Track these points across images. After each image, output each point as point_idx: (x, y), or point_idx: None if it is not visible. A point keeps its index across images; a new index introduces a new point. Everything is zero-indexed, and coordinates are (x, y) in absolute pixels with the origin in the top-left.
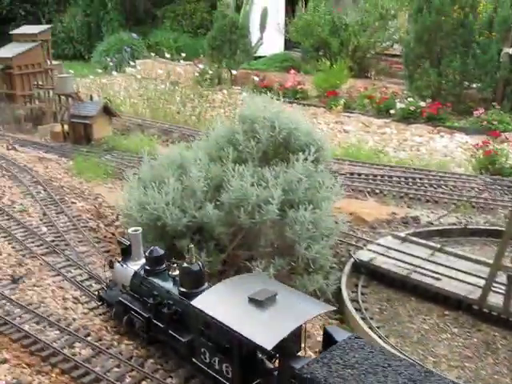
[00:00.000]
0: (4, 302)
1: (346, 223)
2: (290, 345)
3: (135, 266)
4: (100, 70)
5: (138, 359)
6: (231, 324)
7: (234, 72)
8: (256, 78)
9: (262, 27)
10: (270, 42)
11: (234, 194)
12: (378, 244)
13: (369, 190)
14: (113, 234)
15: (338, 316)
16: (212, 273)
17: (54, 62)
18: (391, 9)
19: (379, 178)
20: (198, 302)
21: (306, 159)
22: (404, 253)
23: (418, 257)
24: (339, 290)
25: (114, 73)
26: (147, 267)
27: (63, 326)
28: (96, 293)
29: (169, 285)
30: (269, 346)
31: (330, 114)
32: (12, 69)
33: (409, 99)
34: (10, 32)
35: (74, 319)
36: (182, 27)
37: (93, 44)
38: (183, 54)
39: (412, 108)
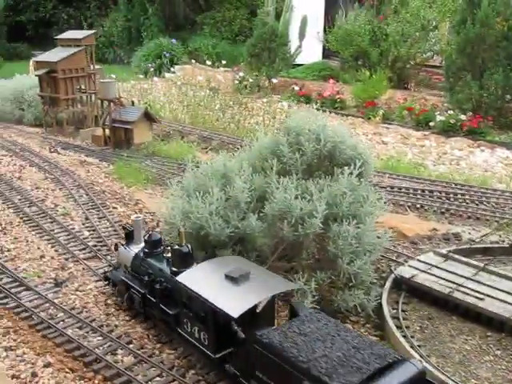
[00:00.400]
0: (48, 305)
1: (389, 239)
2: (260, 317)
3: (136, 248)
4: (141, 76)
5: (180, 369)
6: (207, 296)
7: (274, 81)
8: (296, 88)
9: (301, 35)
10: (309, 51)
11: (278, 206)
12: (420, 260)
13: (409, 204)
14: None
15: (378, 332)
16: None
17: (96, 66)
18: (433, 20)
19: (420, 192)
20: (182, 278)
21: (351, 173)
22: (446, 270)
23: (460, 275)
24: (380, 305)
25: (156, 78)
26: (146, 250)
27: (106, 332)
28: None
29: (162, 265)
30: (235, 315)
31: (368, 124)
32: (56, 73)
33: (449, 112)
34: (55, 37)
35: (116, 326)
36: (221, 34)
37: (132, 48)
38: (224, 62)
39: (452, 121)
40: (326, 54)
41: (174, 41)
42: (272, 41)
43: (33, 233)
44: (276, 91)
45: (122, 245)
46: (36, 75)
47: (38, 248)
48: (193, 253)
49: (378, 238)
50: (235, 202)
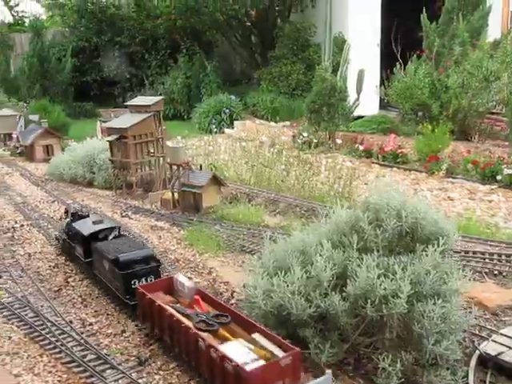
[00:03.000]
0: None
1: (474, 315)
2: (102, 237)
3: (68, 219)
4: (207, 137)
5: None
6: (79, 229)
7: (338, 141)
8: (361, 147)
9: (359, 88)
10: (366, 103)
11: (360, 285)
12: (504, 335)
13: (486, 270)
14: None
15: None
16: (333, 363)
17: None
18: (495, 71)
19: (496, 256)
20: (74, 224)
21: (434, 251)
22: None
23: None
24: None
25: (220, 140)
26: (71, 218)
27: None
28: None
29: (80, 226)
30: (85, 234)
31: (432, 179)
32: (127, 138)
33: None
34: (126, 103)
35: None
36: (278, 88)
37: (192, 105)
38: (287, 122)
39: None
40: (383, 104)
41: (233, 97)
42: (331, 96)
43: (112, 305)
44: (336, 145)
45: (65, 218)
46: (107, 141)
47: (119, 322)
48: (89, 215)
49: (466, 314)
50: (317, 280)
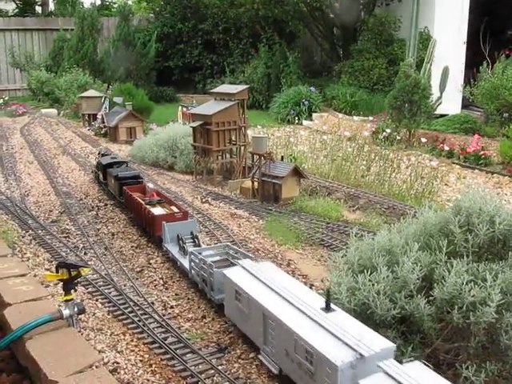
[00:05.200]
0: (212, 371)
1: None
2: (116, 167)
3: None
4: (288, 128)
5: None
6: (102, 161)
7: (423, 140)
8: (446, 148)
9: (442, 86)
10: (449, 102)
11: (448, 290)
12: None
13: None
14: None
15: None
16: None
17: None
18: None
19: None
20: (100, 159)
21: None
22: None
23: None
24: None
25: (302, 132)
26: (101, 157)
27: None
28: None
29: (102, 160)
30: (104, 163)
31: None
32: (210, 125)
33: None
34: (211, 90)
35: None
36: (359, 82)
37: (271, 94)
38: (370, 117)
39: None
40: (465, 104)
41: (312, 89)
42: (414, 93)
43: (192, 290)
44: (421, 144)
45: (98, 158)
46: (191, 127)
47: (199, 307)
48: (110, 154)
49: None
50: (403, 281)
